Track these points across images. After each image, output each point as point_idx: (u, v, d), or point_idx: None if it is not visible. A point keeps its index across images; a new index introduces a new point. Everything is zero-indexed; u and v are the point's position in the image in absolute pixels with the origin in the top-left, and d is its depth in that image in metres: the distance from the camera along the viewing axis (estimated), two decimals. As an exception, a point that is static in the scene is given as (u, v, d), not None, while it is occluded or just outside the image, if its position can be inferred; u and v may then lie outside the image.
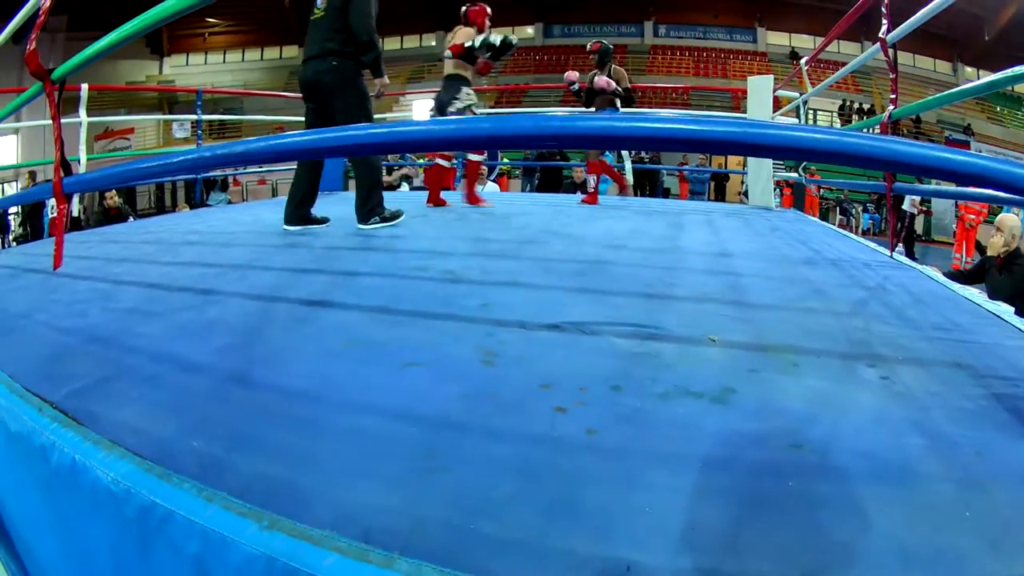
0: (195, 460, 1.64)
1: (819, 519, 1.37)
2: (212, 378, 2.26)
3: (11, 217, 31.57)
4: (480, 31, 7.81)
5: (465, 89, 7.76)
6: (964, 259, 18.53)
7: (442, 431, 1.79)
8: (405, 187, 14.56)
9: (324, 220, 6.23)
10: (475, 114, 7.79)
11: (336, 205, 7.66)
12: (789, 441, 1.69)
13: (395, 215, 6.18)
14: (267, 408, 1.97)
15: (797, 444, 1.67)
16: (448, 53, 7.83)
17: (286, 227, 6.03)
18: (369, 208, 6.04)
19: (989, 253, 7.66)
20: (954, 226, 20.75)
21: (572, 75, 9.18)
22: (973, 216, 18.51)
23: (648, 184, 23.26)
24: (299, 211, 6.12)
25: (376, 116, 7.02)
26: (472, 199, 8.39)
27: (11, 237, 29.52)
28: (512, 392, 2.02)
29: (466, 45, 7.60)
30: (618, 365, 2.24)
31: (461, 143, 3.08)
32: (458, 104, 7.60)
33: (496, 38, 7.69)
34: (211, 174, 12.23)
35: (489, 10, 8.03)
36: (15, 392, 2.14)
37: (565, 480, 1.51)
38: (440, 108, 7.85)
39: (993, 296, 5.63)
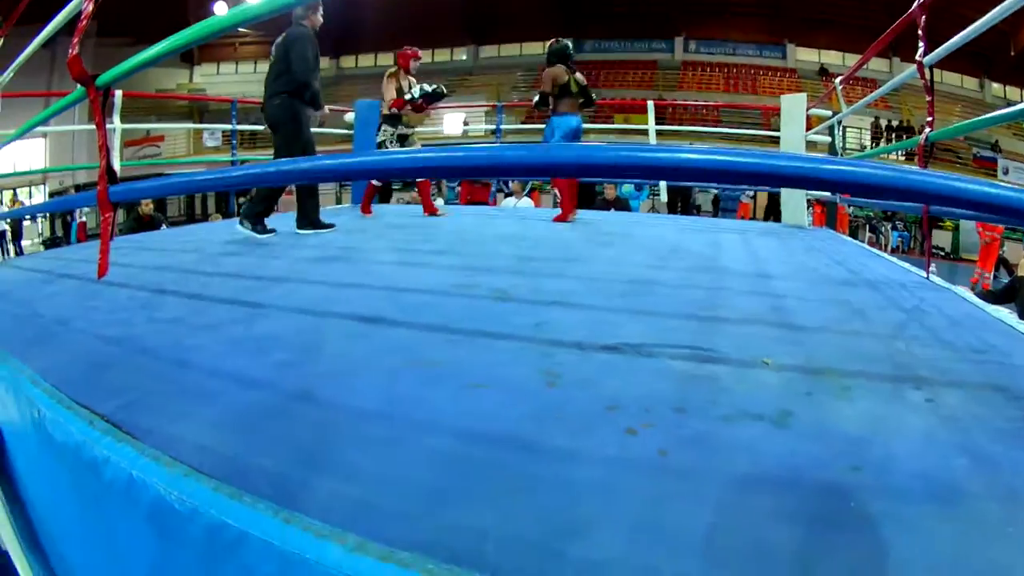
0: (265, 479, 1.63)
1: (880, 537, 1.41)
2: (273, 394, 2.27)
3: (39, 221, 31.71)
4: (407, 72, 9.09)
5: (384, 126, 8.99)
6: (983, 274, 18.48)
7: (517, 452, 1.80)
8: (440, 202, 14.65)
9: (272, 230, 6.91)
10: (385, 147, 8.85)
11: (348, 217, 7.80)
12: (848, 463, 1.73)
13: (268, 231, 6.88)
14: (336, 427, 1.98)
15: (856, 466, 1.71)
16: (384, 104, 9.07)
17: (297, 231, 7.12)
18: (253, 213, 6.83)
19: (1019, 274, 7.69)
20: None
21: None
22: (989, 233, 18.49)
23: (681, 201, 23.29)
24: (300, 221, 7.25)
25: (408, 131, 8.97)
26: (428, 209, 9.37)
27: (38, 241, 29.65)
28: (580, 414, 2.04)
29: (406, 98, 8.83)
30: (678, 387, 2.28)
31: (494, 170, 3.14)
32: (377, 139, 8.88)
33: (426, 88, 8.90)
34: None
35: (419, 53, 9.35)
36: (62, 403, 2.11)
37: (643, 501, 1.54)
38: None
39: (1024, 316, 5.66)
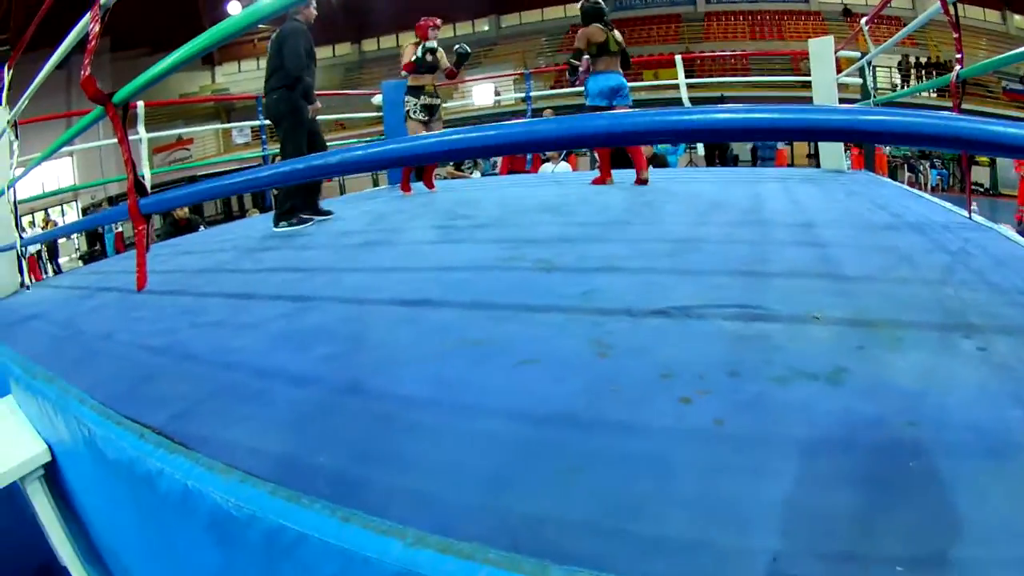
0: (323, 478, 1.65)
1: (938, 495, 1.41)
2: (322, 389, 2.28)
3: (74, 236, 31.92)
4: (425, 40, 8.87)
5: (407, 97, 8.98)
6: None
7: (571, 430, 1.80)
8: (477, 174, 14.61)
9: (306, 220, 7.16)
10: (412, 119, 8.91)
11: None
12: (904, 419, 1.72)
13: (305, 221, 7.10)
14: (388, 417, 1.99)
15: (912, 422, 1.70)
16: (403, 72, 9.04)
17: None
18: (285, 212, 7.03)
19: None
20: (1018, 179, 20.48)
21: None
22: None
23: (719, 154, 23.15)
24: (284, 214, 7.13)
25: (435, 100, 9.04)
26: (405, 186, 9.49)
27: (76, 256, 29.88)
28: (633, 384, 2.04)
29: (412, 59, 8.76)
30: (731, 349, 2.28)
31: (529, 146, 3.13)
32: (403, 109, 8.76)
33: (429, 45, 8.91)
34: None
35: (437, 22, 9.12)
36: (111, 420, 2.15)
37: (702, 474, 1.54)
38: None
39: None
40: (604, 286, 3.23)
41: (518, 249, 4.28)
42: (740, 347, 2.30)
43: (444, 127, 8.89)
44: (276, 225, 6.94)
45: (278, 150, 7.73)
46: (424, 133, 8.06)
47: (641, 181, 8.14)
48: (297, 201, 7.13)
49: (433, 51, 8.91)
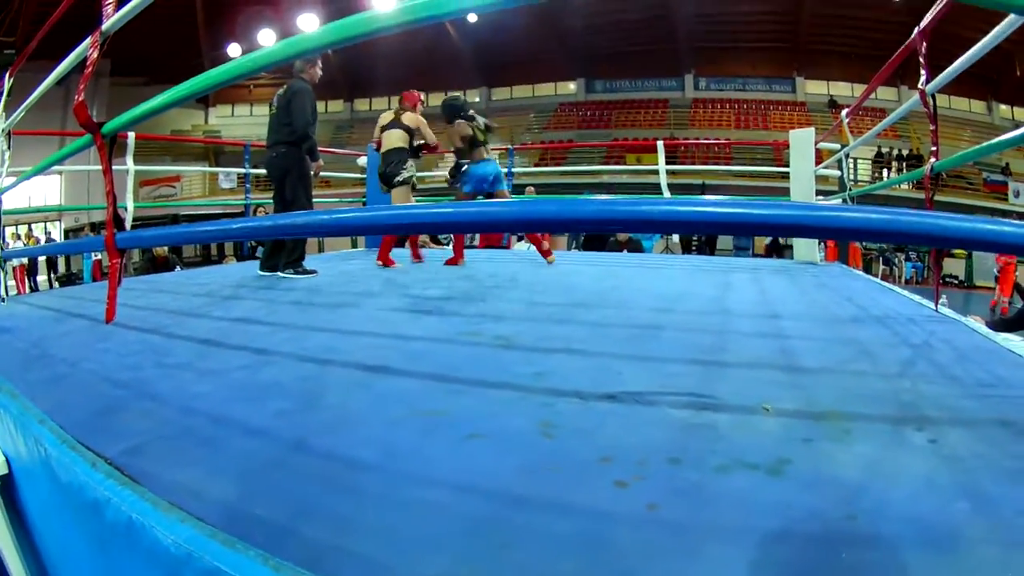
0: (259, 528, 1.66)
1: None
2: (272, 443, 2.30)
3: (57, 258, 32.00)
4: (414, 110, 9.21)
5: (411, 161, 8.94)
6: (1001, 299, 18.57)
7: (507, 506, 1.80)
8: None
9: (310, 271, 7.48)
10: (414, 184, 9.01)
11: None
12: (843, 512, 1.71)
13: (308, 272, 7.44)
14: (332, 478, 1.99)
15: (851, 515, 1.69)
16: (398, 131, 9.08)
17: (260, 272, 7.60)
18: (294, 259, 7.39)
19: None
20: (995, 270, 20.77)
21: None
22: (1004, 259, 18.62)
23: (697, 240, 23.42)
24: (269, 261, 7.63)
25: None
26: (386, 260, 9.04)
27: (55, 276, 30.00)
28: (573, 466, 2.04)
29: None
30: (675, 436, 2.27)
31: (504, 225, 3.17)
32: (404, 175, 8.73)
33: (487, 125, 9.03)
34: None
35: (421, 96, 9.52)
36: (67, 444, 2.17)
37: (628, 556, 1.53)
38: (386, 179, 8.94)
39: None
40: (559, 367, 3.25)
41: (480, 324, 4.31)
42: (685, 435, 2.30)
43: (417, 197, 9.14)
44: (282, 270, 7.28)
45: (266, 201, 8.00)
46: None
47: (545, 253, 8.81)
48: (302, 249, 7.46)
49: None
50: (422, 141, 9.03)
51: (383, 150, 9.02)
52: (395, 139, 9.00)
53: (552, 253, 8.90)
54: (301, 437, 2.33)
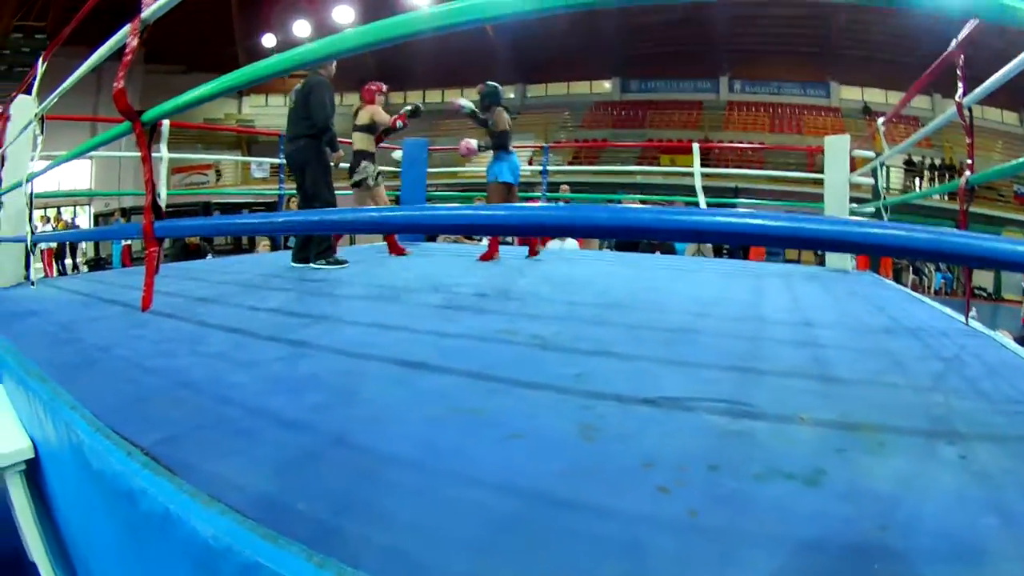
0: (300, 523, 1.66)
1: None
2: (311, 436, 2.31)
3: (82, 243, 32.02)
4: (372, 103, 9.32)
5: (364, 163, 9.15)
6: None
7: (548, 507, 1.82)
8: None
9: (341, 262, 7.75)
10: (369, 185, 9.13)
11: (419, 255, 7.95)
12: (876, 524, 1.73)
13: (340, 262, 7.69)
14: (372, 473, 2.00)
15: (883, 526, 1.72)
16: (356, 133, 9.26)
17: (292, 264, 7.78)
18: (324, 250, 7.62)
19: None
20: (1023, 283, 20.60)
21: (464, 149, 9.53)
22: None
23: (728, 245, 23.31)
24: (301, 253, 7.84)
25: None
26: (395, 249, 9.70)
27: (82, 260, 29.98)
28: (614, 469, 2.06)
29: (398, 126, 9.27)
30: (714, 443, 2.30)
31: (536, 229, 3.19)
32: (356, 177, 8.94)
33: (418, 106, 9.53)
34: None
35: (383, 87, 9.75)
36: (100, 432, 2.18)
37: (671, 561, 1.56)
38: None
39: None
40: (597, 369, 3.27)
41: (516, 323, 4.32)
42: (723, 442, 2.33)
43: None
44: (314, 261, 7.45)
45: (294, 192, 8.14)
46: (370, 203, 8.93)
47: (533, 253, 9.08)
48: (331, 241, 7.66)
49: (416, 110, 9.50)
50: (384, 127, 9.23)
51: None
52: (356, 141, 9.26)
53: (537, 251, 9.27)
54: (340, 431, 2.35)
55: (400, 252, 9.55)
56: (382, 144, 9.39)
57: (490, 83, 9.17)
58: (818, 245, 2.08)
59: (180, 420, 2.40)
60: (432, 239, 10.04)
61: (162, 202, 6.48)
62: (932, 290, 28.53)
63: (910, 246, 1.87)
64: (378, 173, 9.13)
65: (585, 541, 1.64)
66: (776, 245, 2.20)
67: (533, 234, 8.04)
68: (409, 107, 9.49)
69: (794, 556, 1.60)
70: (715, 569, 1.55)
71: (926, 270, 30.04)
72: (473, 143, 9.24)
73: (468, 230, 2.71)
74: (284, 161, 8.79)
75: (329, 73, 7.99)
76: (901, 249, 1.89)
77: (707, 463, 2.11)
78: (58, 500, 2.60)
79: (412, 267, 7.99)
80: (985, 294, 28.47)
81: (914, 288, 13.29)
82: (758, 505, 1.85)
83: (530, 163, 27.60)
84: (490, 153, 8.98)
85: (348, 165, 9.12)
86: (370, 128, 9.16)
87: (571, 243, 12.66)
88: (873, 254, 3.76)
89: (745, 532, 1.70)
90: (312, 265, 7.45)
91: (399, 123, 9.07)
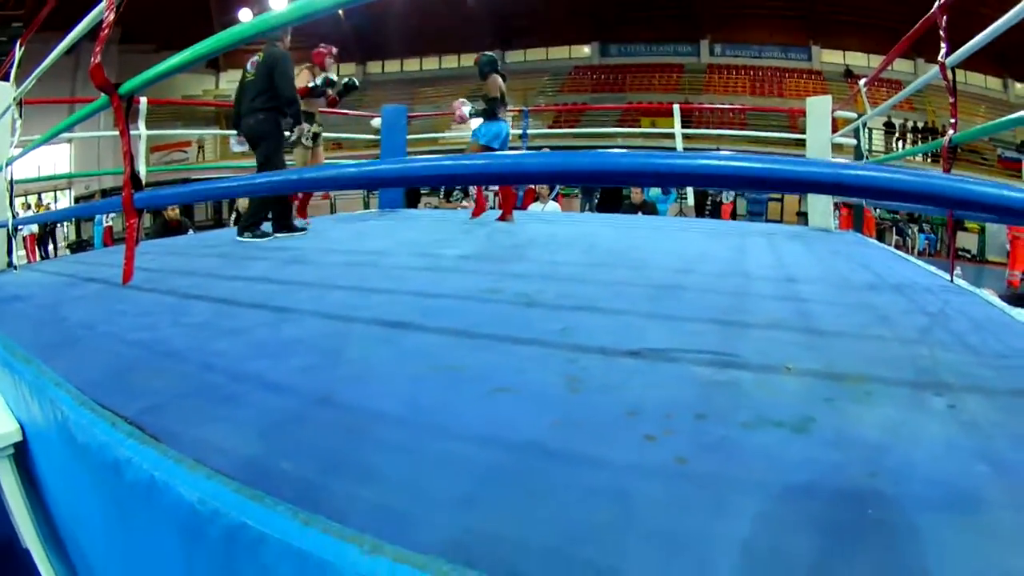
0: (287, 483, 1.65)
1: (896, 544, 1.42)
2: (296, 398, 2.29)
3: (65, 224, 31.98)
4: (322, 69, 9.23)
5: (303, 124, 8.53)
6: (1012, 274, 18.51)
7: (536, 458, 1.81)
8: (468, 204, 14.70)
9: (300, 229, 7.89)
10: (304, 144, 8.73)
11: (400, 221, 7.91)
12: (866, 470, 1.73)
13: (299, 229, 7.83)
14: (358, 431, 2.00)
15: (873, 472, 1.72)
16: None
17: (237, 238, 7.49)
18: (251, 223, 7.51)
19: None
20: (1007, 245, 20.62)
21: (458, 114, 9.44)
22: (1012, 235, 18.52)
23: (711, 205, 23.43)
24: (246, 223, 7.64)
25: (319, 128, 9.14)
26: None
27: (64, 244, 29.93)
28: (601, 420, 2.06)
29: (309, 85, 8.85)
30: (700, 393, 2.29)
31: (516, 177, 3.19)
32: (292, 138, 8.46)
33: (330, 76, 9.21)
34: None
35: (333, 50, 9.53)
36: (85, 405, 2.16)
37: (662, 508, 1.55)
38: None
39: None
40: (582, 324, 3.26)
41: (501, 282, 4.30)
42: (709, 391, 2.32)
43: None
44: (240, 235, 7.37)
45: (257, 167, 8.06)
46: (310, 163, 8.79)
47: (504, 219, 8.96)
48: (263, 214, 7.61)
49: (332, 81, 9.21)
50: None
51: None
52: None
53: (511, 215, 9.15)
54: (325, 391, 2.34)
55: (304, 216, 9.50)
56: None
57: (487, 53, 9.23)
58: (805, 188, 2.06)
59: (163, 389, 2.38)
60: (413, 204, 10.02)
61: (141, 176, 6.43)
62: (916, 251, 28.61)
63: (898, 187, 1.84)
64: (315, 134, 9.01)
65: (574, 490, 1.63)
66: (763, 188, 2.19)
67: (512, 181, 8.02)
68: (345, 80, 9.52)
69: (785, 501, 1.59)
70: (707, 515, 1.53)
71: (909, 231, 30.16)
72: (465, 110, 9.23)
73: (447, 181, 2.68)
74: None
75: (286, 46, 7.96)
76: (888, 191, 1.87)
77: (694, 412, 2.11)
78: (47, 482, 2.59)
79: (395, 233, 7.97)
80: (969, 255, 28.59)
81: (897, 248, 13.36)
82: (747, 452, 1.84)
83: (512, 127, 27.58)
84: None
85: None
86: (310, 90, 9.03)
87: (552, 205, 12.69)
88: (860, 196, 3.76)
89: (734, 478, 1.70)
90: (238, 238, 7.39)
91: (310, 83, 8.95)
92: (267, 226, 7.65)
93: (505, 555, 1.38)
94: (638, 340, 2.92)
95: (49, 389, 2.37)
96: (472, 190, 13.57)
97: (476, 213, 9.19)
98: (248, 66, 7.83)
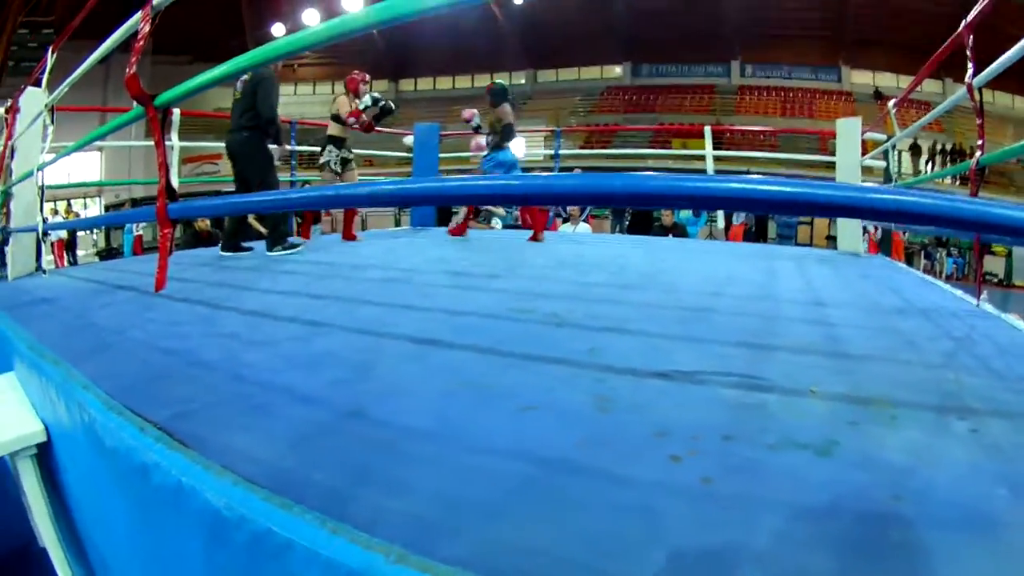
0: (315, 492, 1.67)
1: (917, 566, 1.43)
2: (326, 410, 2.32)
3: (94, 232, 32.09)
4: (356, 96, 9.45)
5: (329, 147, 9.26)
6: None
7: (564, 474, 1.83)
8: (497, 223, 14.67)
9: (250, 248, 7.98)
10: (331, 170, 9.16)
11: (428, 238, 7.94)
12: (890, 493, 1.74)
13: (294, 245, 7.81)
14: (387, 444, 2.02)
15: (897, 496, 1.73)
16: (331, 123, 9.43)
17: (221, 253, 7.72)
18: (277, 237, 7.67)
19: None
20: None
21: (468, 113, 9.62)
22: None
23: (758, 228, 23.45)
24: (230, 242, 7.86)
25: (350, 155, 9.40)
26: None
27: (93, 251, 30.05)
28: (628, 439, 2.08)
29: (359, 107, 9.19)
30: (727, 415, 2.31)
31: (548, 199, 3.22)
32: (320, 160, 9.07)
33: (374, 100, 9.39)
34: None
35: (366, 76, 9.72)
36: (113, 409, 2.19)
37: (686, 526, 1.57)
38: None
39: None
40: (611, 345, 3.28)
41: (531, 301, 4.34)
42: (736, 413, 2.34)
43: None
44: (270, 250, 7.52)
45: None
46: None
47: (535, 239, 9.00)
48: (284, 228, 7.77)
49: (377, 98, 9.40)
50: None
51: None
52: (329, 127, 9.42)
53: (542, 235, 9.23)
54: (356, 404, 2.36)
55: (352, 238, 9.63)
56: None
57: (498, 82, 9.41)
58: (835, 212, 2.08)
59: (193, 397, 2.42)
60: (445, 223, 10.08)
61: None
62: (944, 275, 28.49)
63: (926, 212, 1.86)
64: (345, 160, 9.20)
65: (600, 506, 1.66)
66: (791, 212, 2.20)
67: (544, 203, 8.08)
68: (381, 102, 9.58)
69: (809, 521, 1.61)
70: (731, 533, 1.56)
71: (938, 255, 30.05)
72: (476, 120, 9.27)
73: (481, 200, 2.70)
74: (300, 147, 8.86)
75: (276, 67, 8.22)
76: (917, 215, 1.88)
77: (720, 433, 2.12)
78: (70, 483, 2.63)
79: (426, 250, 8.00)
80: (996, 279, 28.45)
81: (925, 272, 13.27)
82: (772, 473, 1.86)
83: (544, 147, 27.92)
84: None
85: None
86: (340, 117, 9.23)
87: (583, 227, 12.70)
88: (890, 221, 3.77)
89: (759, 498, 1.72)
90: (270, 254, 7.51)
91: (351, 119, 9.12)
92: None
93: (530, 568, 1.41)
94: (667, 362, 2.93)
95: (77, 392, 2.41)
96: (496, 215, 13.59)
97: (535, 238, 9.23)
98: (238, 84, 7.95)
